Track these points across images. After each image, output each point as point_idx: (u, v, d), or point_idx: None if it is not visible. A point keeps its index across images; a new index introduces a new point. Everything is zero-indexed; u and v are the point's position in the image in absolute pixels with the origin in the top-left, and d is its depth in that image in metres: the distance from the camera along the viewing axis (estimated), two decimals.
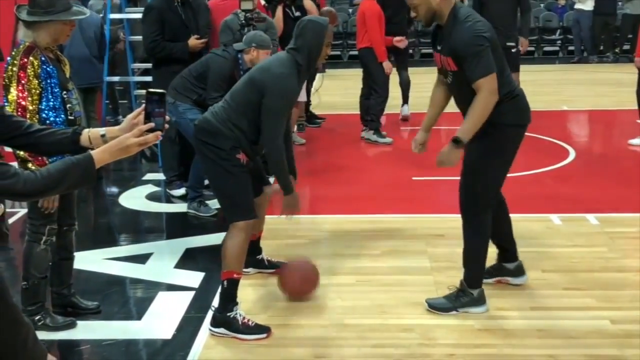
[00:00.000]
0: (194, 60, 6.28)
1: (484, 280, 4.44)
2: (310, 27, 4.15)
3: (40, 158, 3.74)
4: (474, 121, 3.97)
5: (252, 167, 4.27)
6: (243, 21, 6.54)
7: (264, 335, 4.00)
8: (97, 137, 2.43)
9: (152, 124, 2.32)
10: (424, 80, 9.51)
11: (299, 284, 4.45)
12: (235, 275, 4.04)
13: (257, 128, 4.09)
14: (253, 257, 4.82)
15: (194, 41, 6.47)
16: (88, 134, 2.46)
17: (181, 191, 6.78)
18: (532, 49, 17.02)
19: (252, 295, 4.54)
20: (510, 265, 4.58)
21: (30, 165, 3.75)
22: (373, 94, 8.70)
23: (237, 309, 4.05)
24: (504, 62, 4.11)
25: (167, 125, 2.37)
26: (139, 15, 8.31)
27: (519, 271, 4.59)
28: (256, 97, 4.04)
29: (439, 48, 4.12)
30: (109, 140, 2.34)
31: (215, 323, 4.09)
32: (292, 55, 4.13)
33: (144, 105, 2.38)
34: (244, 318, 4.03)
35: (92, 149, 2.37)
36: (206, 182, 6.54)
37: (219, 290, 4.14)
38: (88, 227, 6.44)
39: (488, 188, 4.20)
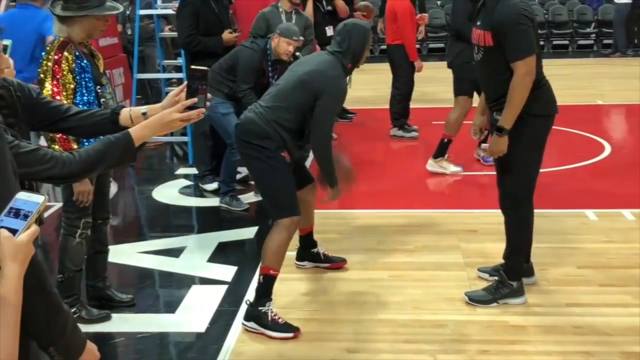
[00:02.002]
0: (226, 54, 6.31)
1: (490, 277, 4.45)
2: (355, 31, 4.25)
3: (64, 139, 3.77)
4: (513, 105, 3.95)
5: (296, 164, 4.28)
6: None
7: (291, 334, 3.99)
8: (139, 116, 2.42)
9: (195, 99, 2.31)
10: (431, 74, 9.54)
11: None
12: (271, 272, 4.04)
13: (302, 129, 4.13)
14: (308, 250, 4.86)
15: (228, 35, 6.50)
16: (129, 112, 2.45)
17: (213, 185, 6.81)
18: (567, 42, 16.84)
19: (287, 290, 4.54)
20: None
21: (56, 146, 3.78)
22: (394, 91, 8.66)
23: (269, 304, 4.05)
24: (540, 45, 4.07)
25: (209, 103, 2.35)
26: (168, 11, 8.40)
27: (529, 271, 4.51)
28: (309, 100, 4.08)
29: (478, 23, 4.11)
30: (150, 118, 2.33)
31: (247, 317, 4.10)
32: (338, 58, 4.21)
33: (186, 82, 2.36)
34: (274, 315, 4.04)
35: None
36: (238, 176, 6.59)
37: (256, 284, 4.15)
38: (122, 221, 6.52)
39: (525, 181, 4.17)
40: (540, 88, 4.07)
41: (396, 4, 8.32)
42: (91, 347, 1.96)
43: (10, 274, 1.43)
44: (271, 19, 6.72)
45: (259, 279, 4.08)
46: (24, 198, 1.50)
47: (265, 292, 4.06)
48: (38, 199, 1.51)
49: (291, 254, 4.82)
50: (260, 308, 4.04)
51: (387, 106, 9.00)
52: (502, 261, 4.39)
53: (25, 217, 1.48)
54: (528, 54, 3.91)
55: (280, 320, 4.03)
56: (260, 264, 4.12)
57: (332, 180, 4.27)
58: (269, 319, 4.02)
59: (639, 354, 3.72)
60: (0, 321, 1.42)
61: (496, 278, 4.36)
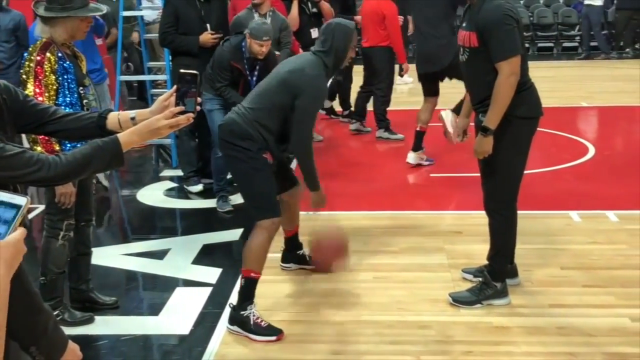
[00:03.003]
0: (210, 54, 6.30)
1: (475, 278, 4.46)
2: (338, 30, 4.20)
3: (46, 140, 3.74)
4: (498, 106, 3.95)
5: (279, 165, 4.27)
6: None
7: (274, 337, 3.98)
8: (127, 120, 2.40)
9: (183, 107, 2.29)
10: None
11: (334, 255, 4.44)
12: (252, 275, 4.04)
13: (285, 129, 4.11)
14: (293, 252, 4.86)
15: (205, 36, 6.43)
16: (118, 116, 2.43)
17: (198, 187, 6.80)
18: (552, 44, 16.92)
19: (271, 292, 4.53)
20: None
21: (38, 147, 3.76)
22: (376, 94, 8.64)
23: (251, 308, 4.04)
24: (525, 48, 4.08)
25: (199, 107, 2.33)
26: (150, 12, 8.38)
27: (513, 272, 4.52)
28: (289, 99, 4.05)
29: (464, 24, 4.12)
30: (139, 123, 2.31)
31: (231, 320, 4.09)
32: (320, 58, 4.17)
33: (175, 86, 2.33)
34: (257, 318, 4.03)
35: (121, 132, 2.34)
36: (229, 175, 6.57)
37: (238, 287, 4.14)
38: (106, 224, 6.49)
39: (509, 183, 4.18)
40: (526, 90, 4.08)
41: (383, 6, 8.23)
42: (73, 346, 1.95)
43: None
44: (245, 21, 6.70)
45: (241, 282, 4.07)
46: (6, 200, 1.48)
47: (247, 295, 4.05)
48: (21, 200, 1.49)
49: (277, 255, 4.83)
50: (242, 312, 4.03)
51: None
52: (486, 262, 4.40)
53: (6, 222, 1.46)
54: (512, 54, 3.92)
55: (263, 324, 4.02)
56: (242, 267, 4.10)
57: (312, 184, 4.25)
58: (252, 322, 4.01)
59: (622, 355, 3.74)
60: None
61: (480, 279, 4.37)
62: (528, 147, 4.18)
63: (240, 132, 4.03)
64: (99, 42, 7.12)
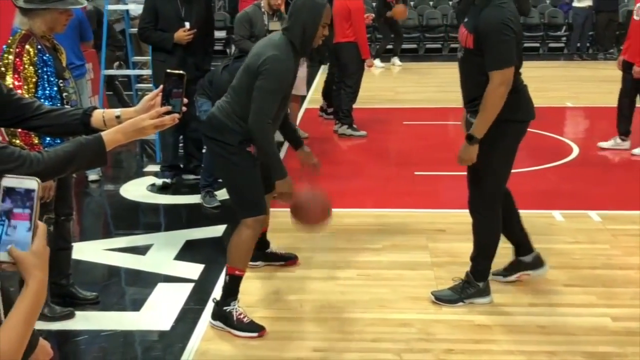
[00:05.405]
0: (189, 51, 6.34)
1: (505, 279, 4.48)
2: (304, 5, 3.95)
3: (25, 133, 3.69)
4: (486, 115, 3.94)
5: (262, 163, 4.19)
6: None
7: (255, 334, 3.97)
8: (112, 119, 2.37)
9: (169, 107, 2.27)
10: (427, 76, 9.56)
11: (320, 215, 4.20)
12: (237, 272, 4.01)
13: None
14: (262, 251, 4.82)
15: (180, 34, 6.36)
16: (102, 114, 2.40)
17: (159, 182, 6.89)
18: (537, 45, 16.99)
19: (255, 288, 4.52)
20: (527, 257, 4.53)
21: (17, 141, 3.72)
22: (344, 89, 8.74)
23: (235, 304, 4.02)
24: (521, 57, 4.06)
25: (184, 108, 2.31)
26: (135, 7, 8.35)
27: (538, 262, 4.53)
28: (252, 83, 3.90)
29: (465, 20, 4.09)
30: (123, 122, 2.28)
31: (214, 316, 4.08)
32: (285, 36, 3.96)
33: (161, 86, 2.30)
34: (240, 314, 4.01)
35: (105, 130, 2.32)
36: None
37: (222, 283, 4.12)
38: (89, 218, 6.45)
39: (494, 184, 4.18)
40: (518, 93, 4.05)
41: (350, 3, 8.51)
42: (43, 343, 1.93)
43: (35, 284, 1.41)
44: (254, 19, 6.71)
45: (225, 279, 4.05)
46: (15, 185, 1.38)
47: (231, 291, 4.03)
48: (31, 183, 1.39)
49: None
50: (225, 308, 4.02)
51: (361, 105, 9.06)
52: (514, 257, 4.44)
53: (25, 216, 1.38)
54: (506, 65, 3.87)
55: (245, 320, 4.00)
56: (226, 264, 4.08)
57: (276, 170, 3.97)
58: (234, 318, 3.99)
59: (602, 355, 3.76)
60: (29, 322, 1.41)
61: (517, 275, 4.44)
62: (515, 150, 4.16)
63: (219, 125, 3.98)
64: (88, 45, 7.10)
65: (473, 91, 4.08)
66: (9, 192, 1.38)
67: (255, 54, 4.02)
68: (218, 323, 4.04)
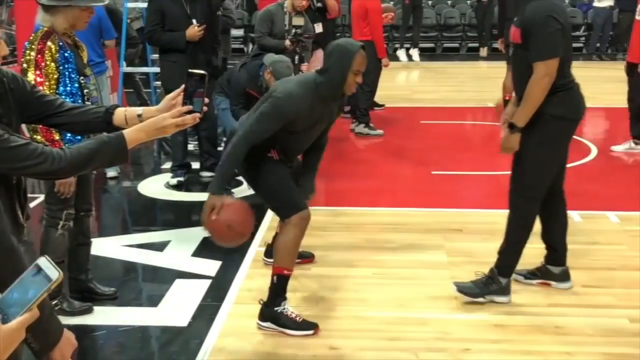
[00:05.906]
0: (199, 48, 6.33)
1: (527, 281, 4.45)
2: (336, 52, 3.83)
3: (46, 129, 3.72)
4: (527, 104, 3.94)
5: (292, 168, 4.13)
6: (292, 37, 6.57)
7: (311, 332, 3.95)
8: (134, 117, 2.39)
9: (190, 106, 2.29)
10: (444, 76, 9.54)
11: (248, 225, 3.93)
12: (285, 272, 3.97)
13: (283, 145, 3.98)
14: None
15: (191, 31, 6.33)
16: (124, 113, 2.42)
17: (173, 181, 6.88)
18: None
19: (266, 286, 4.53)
20: (556, 269, 4.49)
21: (38, 137, 3.75)
22: (361, 88, 8.66)
23: (284, 303, 4.00)
24: (570, 50, 4.05)
25: (206, 108, 2.32)
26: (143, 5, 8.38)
27: (564, 276, 4.50)
28: None
29: (515, 19, 4.11)
30: (145, 120, 2.31)
31: (263, 317, 4.03)
32: (316, 77, 3.89)
33: (183, 85, 2.31)
34: (292, 313, 4.00)
35: (127, 128, 2.34)
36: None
37: (269, 284, 4.04)
38: (107, 215, 6.49)
39: (536, 181, 4.15)
40: (567, 91, 4.05)
41: (367, 3, 8.49)
42: (68, 334, 1.95)
43: None
44: (276, 18, 6.73)
45: (272, 279, 4.00)
46: (44, 267, 1.47)
47: (279, 292, 3.99)
48: (54, 274, 1.46)
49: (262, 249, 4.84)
50: (275, 308, 3.99)
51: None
52: (538, 264, 4.41)
53: (37, 289, 1.45)
54: (550, 56, 3.88)
55: (298, 319, 3.98)
56: (273, 264, 4.04)
57: (213, 184, 3.88)
58: (287, 318, 3.98)
59: (619, 355, 3.74)
60: None
61: (540, 280, 4.42)
62: (560, 148, 4.15)
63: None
64: (111, 44, 7.11)
65: (525, 88, 4.02)
66: (38, 269, 1.47)
67: (278, 83, 4.06)
68: (268, 324, 4.00)
